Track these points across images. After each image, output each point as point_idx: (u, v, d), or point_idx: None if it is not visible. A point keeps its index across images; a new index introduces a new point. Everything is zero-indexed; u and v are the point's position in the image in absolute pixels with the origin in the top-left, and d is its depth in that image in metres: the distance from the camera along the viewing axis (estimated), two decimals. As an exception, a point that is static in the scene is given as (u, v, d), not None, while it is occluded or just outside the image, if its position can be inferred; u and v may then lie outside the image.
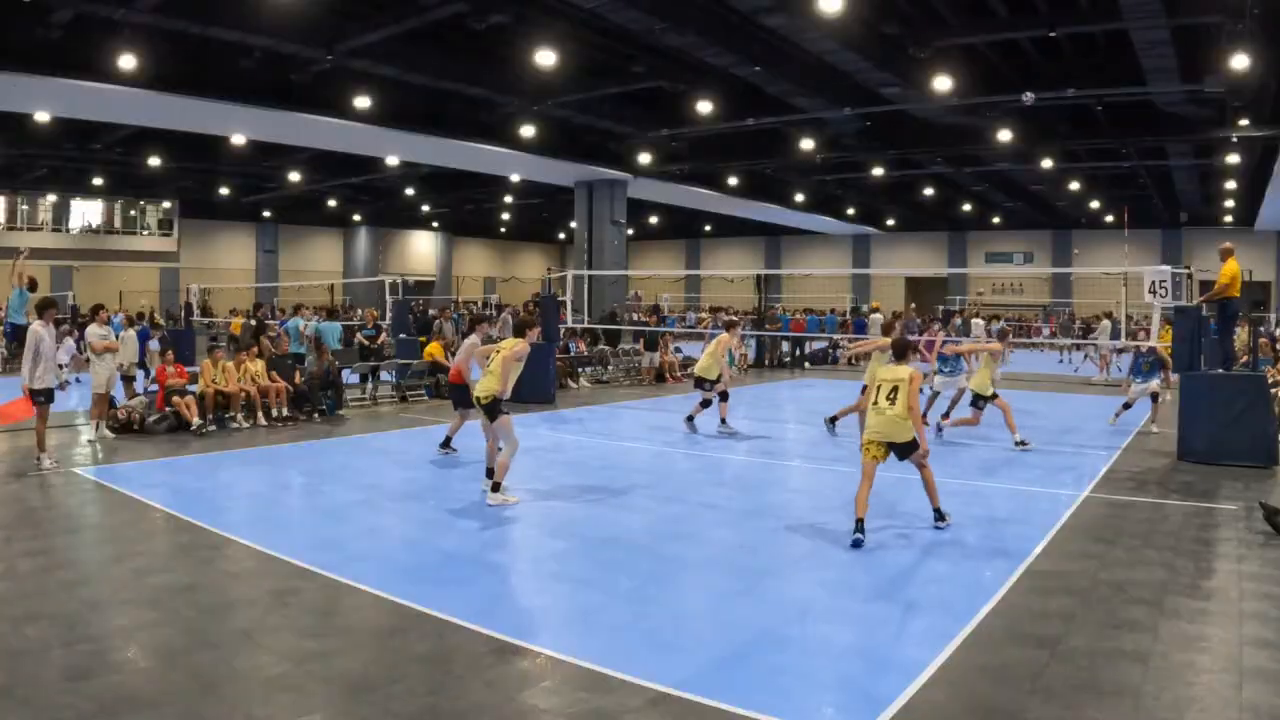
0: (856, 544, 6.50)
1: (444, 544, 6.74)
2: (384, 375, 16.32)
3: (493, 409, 8.07)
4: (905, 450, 6.92)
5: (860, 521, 6.60)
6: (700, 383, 12.06)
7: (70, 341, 15.85)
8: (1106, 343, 20.90)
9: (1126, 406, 12.73)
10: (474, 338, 10.03)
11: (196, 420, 11.60)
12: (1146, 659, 4.48)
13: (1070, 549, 6.51)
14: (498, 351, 8.26)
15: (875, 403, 7.01)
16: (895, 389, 6.91)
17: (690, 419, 12.10)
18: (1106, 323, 22.65)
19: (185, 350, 17.19)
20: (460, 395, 9.82)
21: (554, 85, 18.46)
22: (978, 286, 41.30)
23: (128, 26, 14.40)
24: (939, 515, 7.08)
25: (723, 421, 11.94)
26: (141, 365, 15.10)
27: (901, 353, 7.37)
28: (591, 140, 24.21)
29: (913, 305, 34.38)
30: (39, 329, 9.40)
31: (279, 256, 42.50)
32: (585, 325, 20.99)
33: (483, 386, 8.19)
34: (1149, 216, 34.86)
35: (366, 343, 17.61)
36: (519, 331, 8.53)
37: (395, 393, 15.62)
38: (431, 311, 25.57)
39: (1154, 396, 12.44)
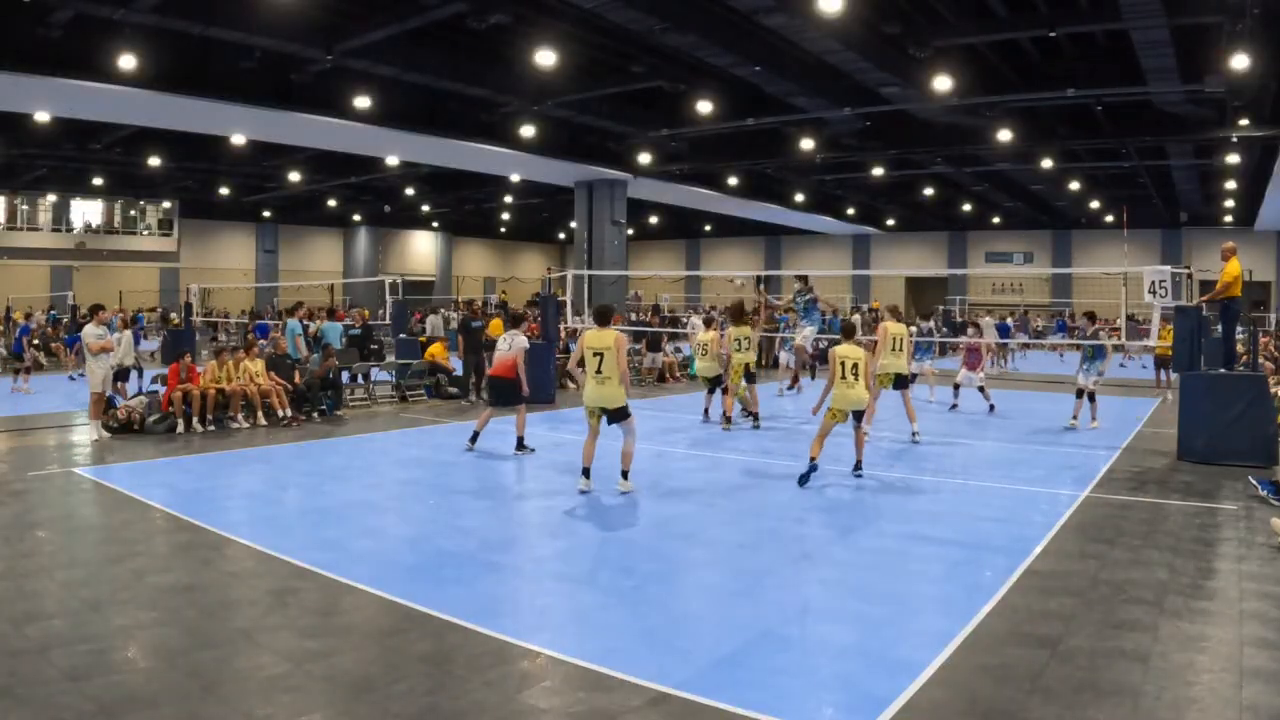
0: (802, 480, 8.43)
1: (444, 544, 6.74)
2: (381, 375, 16.33)
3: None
4: (857, 415, 8.75)
5: (813, 461, 8.55)
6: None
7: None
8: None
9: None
10: (522, 337, 10.39)
11: (196, 421, 11.62)
12: (1146, 659, 4.48)
13: (1070, 549, 6.51)
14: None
15: (843, 377, 8.53)
16: (856, 365, 8.55)
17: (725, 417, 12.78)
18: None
19: (185, 350, 17.19)
20: (513, 392, 10.19)
21: (554, 85, 18.45)
22: (978, 286, 41.32)
23: (128, 26, 14.40)
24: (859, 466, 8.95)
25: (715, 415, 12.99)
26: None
27: (850, 333, 9.27)
28: (591, 140, 24.20)
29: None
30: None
31: (279, 256, 42.51)
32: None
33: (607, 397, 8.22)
34: (1149, 216, 34.87)
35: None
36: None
37: (395, 393, 15.62)
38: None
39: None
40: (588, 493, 8.16)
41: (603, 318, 8.42)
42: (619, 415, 8.08)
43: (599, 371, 7.98)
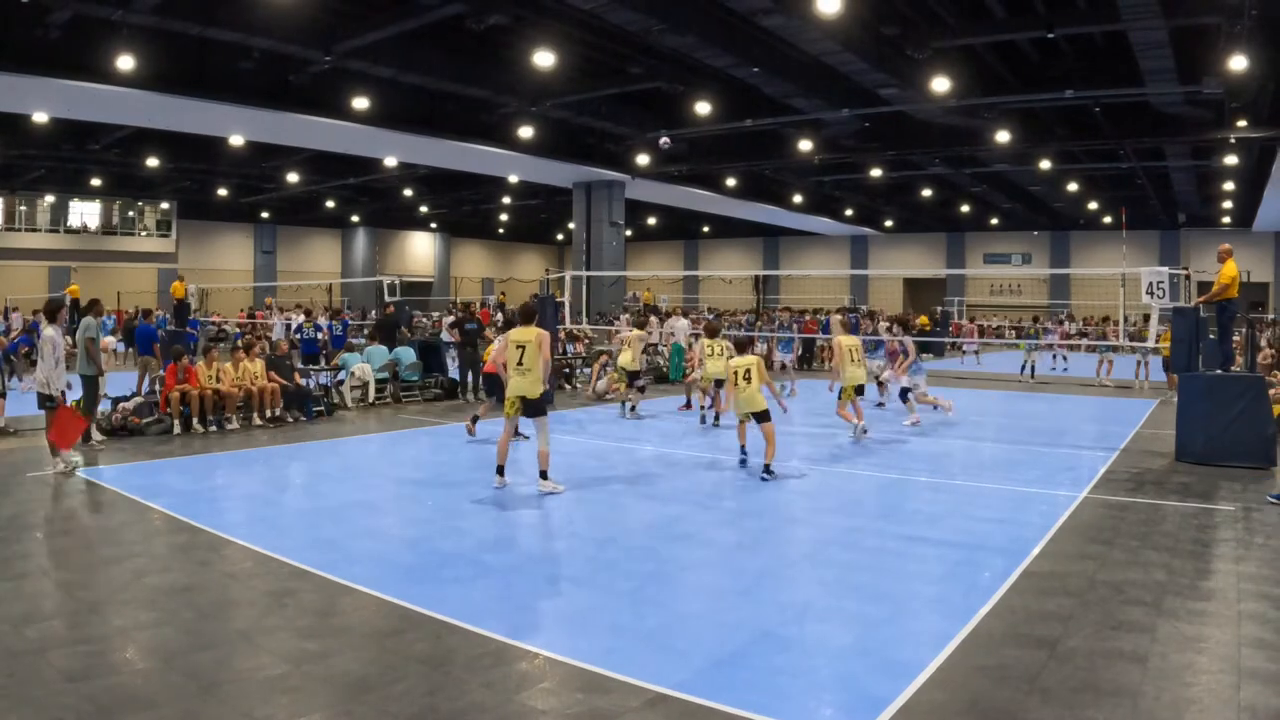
0: (743, 463, 9.58)
1: (443, 544, 6.74)
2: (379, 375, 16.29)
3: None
4: (761, 416, 9.26)
5: (744, 447, 9.79)
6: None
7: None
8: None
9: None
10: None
11: (195, 421, 11.61)
12: (1145, 660, 4.48)
13: (1069, 549, 6.51)
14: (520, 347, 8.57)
15: (736, 384, 9.30)
16: (749, 370, 9.26)
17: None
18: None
19: (183, 350, 17.21)
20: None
21: (553, 86, 18.47)
22: (975, 287, 41.33)
23: (126, 27, 14.39)
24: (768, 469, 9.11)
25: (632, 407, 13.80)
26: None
27: (742, 347, 10.12)
28: (590, 141, 24.23)
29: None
30: (51, 333, 9.39)
31: (276, 257, 42.48)
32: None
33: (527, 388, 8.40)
34: (1147, 218, 34.91)
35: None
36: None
37: (392, 393, 15.58)
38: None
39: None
40: (503, 489, 8.41)
41: (527, 316, 8.92)
42: (535, 409, 8.37)
43: (520, 363, 8.39)
